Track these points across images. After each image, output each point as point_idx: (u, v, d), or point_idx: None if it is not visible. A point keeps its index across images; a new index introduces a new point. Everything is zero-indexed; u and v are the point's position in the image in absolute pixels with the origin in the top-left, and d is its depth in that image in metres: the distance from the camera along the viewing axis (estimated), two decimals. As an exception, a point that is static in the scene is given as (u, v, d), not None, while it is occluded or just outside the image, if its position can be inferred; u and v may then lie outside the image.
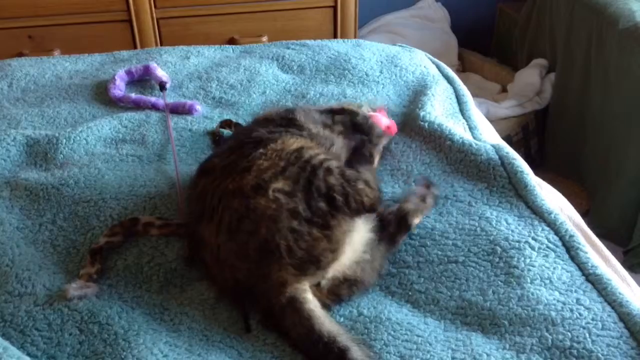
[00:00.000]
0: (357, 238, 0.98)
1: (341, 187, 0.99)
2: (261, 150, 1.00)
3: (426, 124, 1.31)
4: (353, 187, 1.00)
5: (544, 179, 1.30)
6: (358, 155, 1.16)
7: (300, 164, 0.99)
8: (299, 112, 1.18)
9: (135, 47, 2.34)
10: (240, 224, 0.94)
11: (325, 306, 0.94)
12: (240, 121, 1.41)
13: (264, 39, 2.39)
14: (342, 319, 0.95)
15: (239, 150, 1.04)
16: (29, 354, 0.90)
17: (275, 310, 0.92)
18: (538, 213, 1.09)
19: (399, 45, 1.82)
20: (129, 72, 1.62)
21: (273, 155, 1.00)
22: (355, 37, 2.51)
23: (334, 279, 0.96)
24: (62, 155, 1.30)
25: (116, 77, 1.58)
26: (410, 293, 1.00)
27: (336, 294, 0.96)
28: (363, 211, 1.00)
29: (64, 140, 1.32)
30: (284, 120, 1.15)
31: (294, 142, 1.03)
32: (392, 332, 0.92)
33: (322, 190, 0.97)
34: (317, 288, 0.95)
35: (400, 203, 1.09)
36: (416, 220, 1.08)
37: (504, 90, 2.74)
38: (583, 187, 2.35)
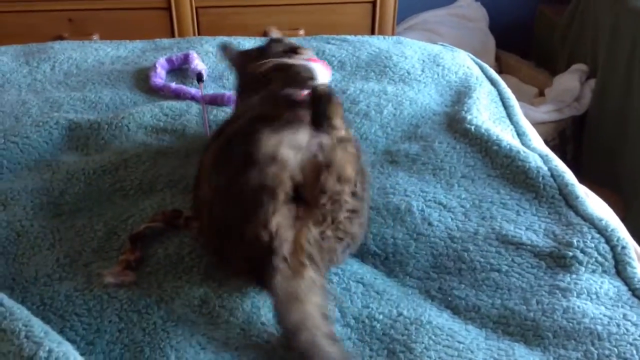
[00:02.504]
0: None
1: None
2: None
3: (473, 127, 1.29)
4: None
5: (578, 186, 1.27)
6: None
7: None
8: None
9: (172, 35, 2.35)
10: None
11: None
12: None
13: (301, 32, 2.38)
14: (381, 317, 0.93)
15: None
16: (67, 339, 0.89)
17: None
18: (588, 219, 1.07)
19: (441, 44, 1.80)
20: (169, 60, 1.62)
21: None
22: (392, 33, 2.48)
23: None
24: (103, 141, 1.30)
25: (157, 65, 1.58)
26: (450, 299, 0.98)
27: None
28: None
29: (106, 126, 1.33)
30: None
31: None
32: (433, 337, 0.90)
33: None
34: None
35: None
36: None
37: (541, 94, 2.70)
38: (619, 196, 2.30)
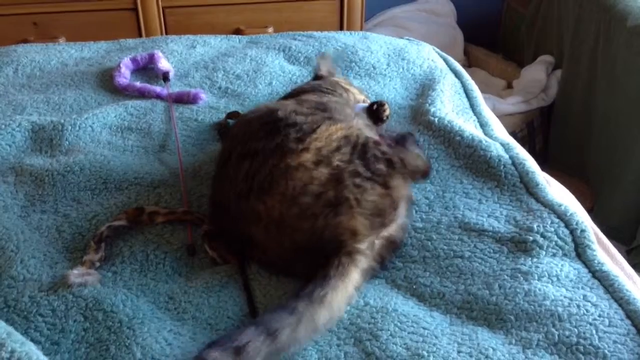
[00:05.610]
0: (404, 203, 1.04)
1: (395, 153, 1.06)
2: (314, 135, 1.04)
3: (436, 119, 1.31)
4: (406, 153, 1.10)
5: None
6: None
7: (351, 145, 1.04)
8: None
9: (140, 36, 2.33)
10: (305, 190, 0.98)
11: (372, 271, 0.99)
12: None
13: (270, 29, 2.38)
14: (348, 307, 0.94)
15: (278, 132, 1.04)
16: (32, 340, 0.89)
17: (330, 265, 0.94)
18: (548, 205, 1.09)
19: (406, 39, 1.81)
20: (134, 60, 1.61)
21: (324, 138, 1.04)
22: (361, 29, 2.50)
23: (383, 239, 1.00)
24: (67, 142, 1.30)
25: (121, 65, 1.58)
26: (415, 287, 0.99)
27: (381, 256, 1.00)
28: (419, 175, 1.11)
29: (70, 127, 1.32)
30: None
31: (338, 130, 1.06)
32: (399, 324, 0.91)
33: (378, 155, 1.03)
34: (371, 248, 0.99)
35: None
36: None
37: (509, 86, 2.73)
38: (587, 185, 2.34)
